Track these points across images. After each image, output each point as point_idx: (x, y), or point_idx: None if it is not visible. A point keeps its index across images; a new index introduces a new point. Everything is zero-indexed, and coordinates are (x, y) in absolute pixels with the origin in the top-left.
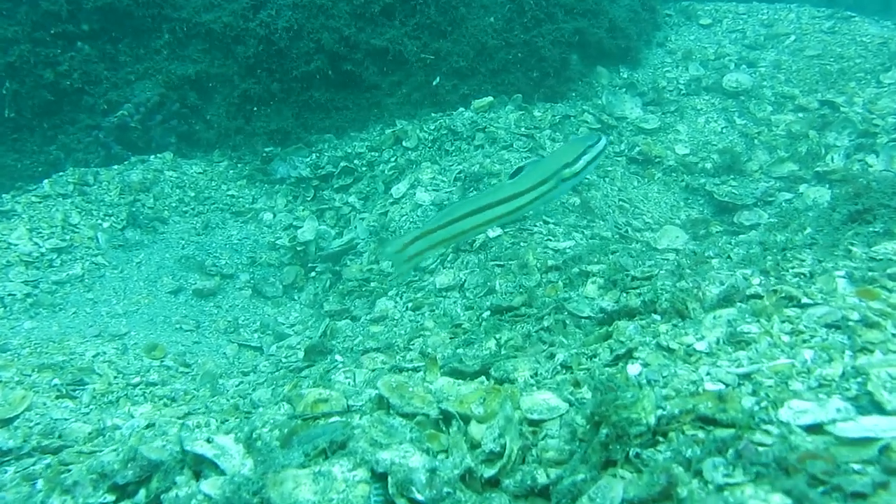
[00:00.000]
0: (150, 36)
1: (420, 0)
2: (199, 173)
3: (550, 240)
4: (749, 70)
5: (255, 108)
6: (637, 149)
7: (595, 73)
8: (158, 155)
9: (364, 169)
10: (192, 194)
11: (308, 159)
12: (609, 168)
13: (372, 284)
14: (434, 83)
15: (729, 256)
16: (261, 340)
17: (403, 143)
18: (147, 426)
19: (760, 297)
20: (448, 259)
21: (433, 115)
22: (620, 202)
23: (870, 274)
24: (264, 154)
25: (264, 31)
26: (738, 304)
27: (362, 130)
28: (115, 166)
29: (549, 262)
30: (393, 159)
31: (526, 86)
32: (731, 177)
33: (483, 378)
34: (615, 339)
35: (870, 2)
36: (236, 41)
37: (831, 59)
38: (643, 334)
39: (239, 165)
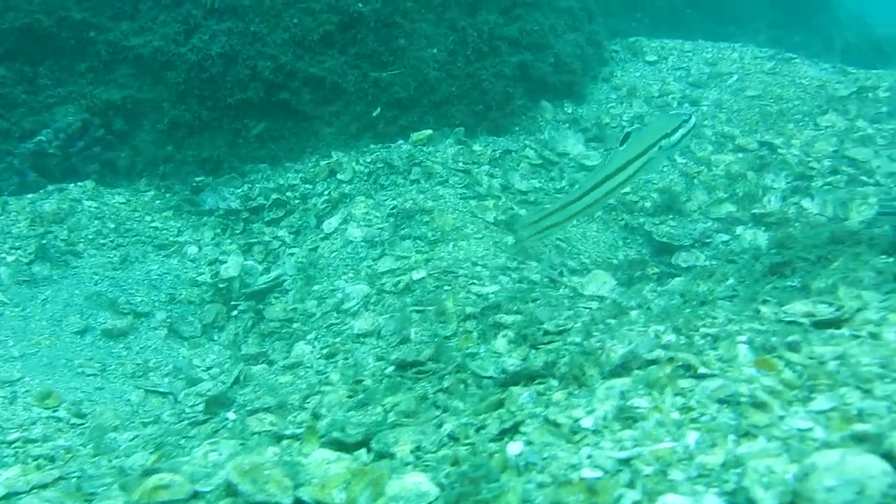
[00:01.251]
0: (74, 58)
1: (360, 30)
2: (122, 203)
3: (475, 283)
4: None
5: (186, 136)
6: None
7: (540, 108)
8: (79, 183)
9: (297, 202)
10: (112, 226)
11: (239, 190)
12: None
13: (294, 325)
14: (374, 114)
15: (649, 307)
16: (171, 385)
17: (338, 176)
18: (2, 497)
19: (658, 364)
20: (371, 301)
21: (372, 146)
22: (558, 241)
23: (771, 341)
24: (194, 184)
25: (196, 56)
26: (636, 371)
27: (298, 161)
28: (29, 195)
29: (468, 310)
30: (327, 192)
31: (469, 119)
32: (670, 217)
33: (364, 451)
34: (506, 409)
35: (814, 42)
36: (167, 66)
37: (771, 100)
38: (537, 404)
39: (167, 195)
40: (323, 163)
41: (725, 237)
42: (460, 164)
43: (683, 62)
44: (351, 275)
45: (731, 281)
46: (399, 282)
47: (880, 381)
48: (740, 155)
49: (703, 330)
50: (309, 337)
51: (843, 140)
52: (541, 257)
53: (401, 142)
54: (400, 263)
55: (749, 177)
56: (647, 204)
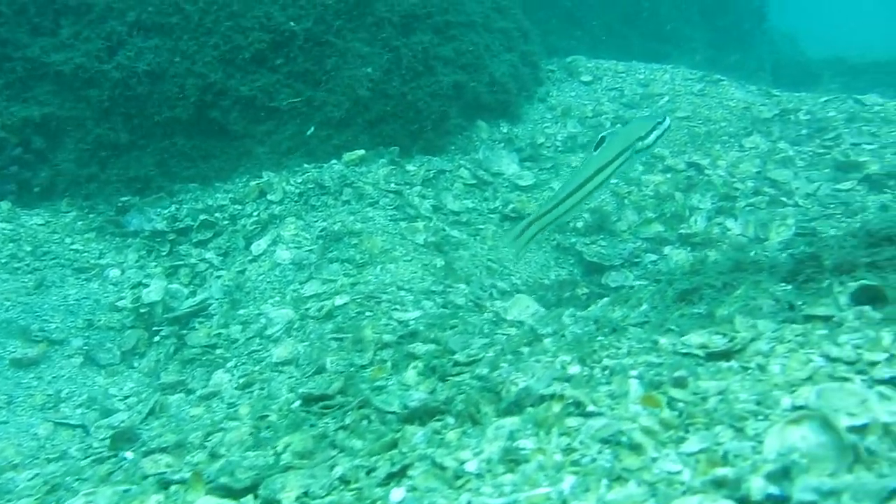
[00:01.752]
0: None
1: (292, 48)
2: (40, 225)
3: (397, 309)
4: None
5: (112, 155)
6: (511, 206)
7: (475, 127)
8: None
9: (226, 223)
10: (29, 248)
11: (166, 211)
12: (481, 226)
13: (217, 352)
14: (308, 133)
15: (563, 335)
16: (83, 417)
17: (268, 197)
18: None
19: (550, 402)
20: (295, 327)
21: (305, 166)
22: (489, 262)
23: (661, 376)
24: (120, 204)
25: (121, 73)
26: (529, 408)
27: (228, 181)
28: None
29: (386, 338)
30: (256, 213)
31: (404, 138)
32: (601, 237)
33: (251, 497)
34: (398, 450)
35: (748, 62)
36: (89, 84)
37: (699, 122)
38: (430, 444)
39: (90, 216)
40: (253, 183)
41: (654, 257)
42: (392, 184)
43: (617, 83)
44: (278, 298)
45: (644, 307)
46: (323, 307)
47: (753, 419)
48: (669, 175)
49: (605, 361)
50: (229, 365)
51: (765, 161)
52: (471, 278)
53: (334, 161)
54: (326, 287)
55: (677, 197)
56: (579, 224)
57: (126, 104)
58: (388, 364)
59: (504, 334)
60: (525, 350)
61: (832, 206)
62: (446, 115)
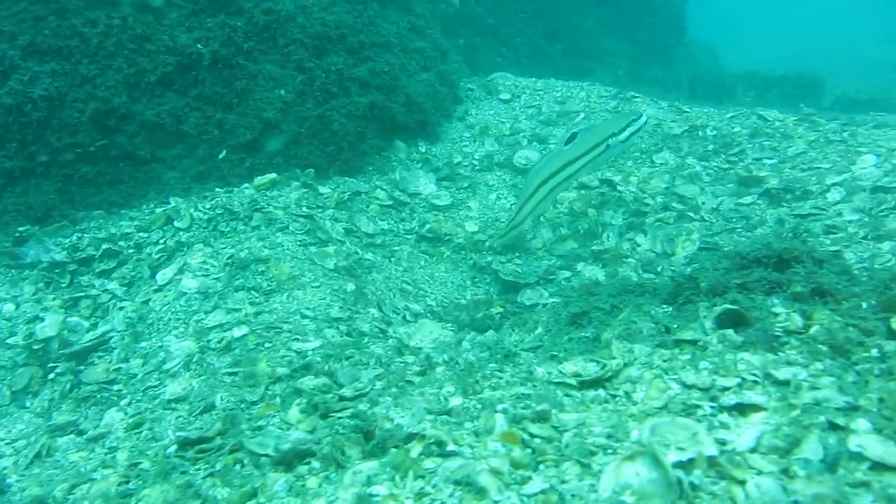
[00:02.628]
0: None
1: (200, 71)
2: None
3: (297, 339)
4: (540, 147)
5: (7, 183)
6: (427, 226)
7: (393, 147)
8: None
9: (131, 251)
10: None
11: (67, 241)
12: (396, 248)
13: (115, 388)
14: (220, 157)
15: (457, 362)
16: None
17: (175, 223)
18: None
19: (413, 442)
20: (194, 360)
21: (218, 190)
22: (403, 284)
23: (526, 409)
24: (17, 234)
25: (14, 99)
26: (392, 449)
27: (135, 208)
28: None
29: (279, 371)
30: (163, 241)
31: (321, 160)
32: (517, 255)
33: None
34: (257, 500)
35: (670, 77)
36: None
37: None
38: (290, 492)
39: None
40: (159, 210)
41: (567, 273)
42: (304, 208)
43: (536, 100)
44: (182, 329)
45: (539, 330)
46: (223, 339)
47: (602, 453)
48: (583, 192)
49: (484, 393)
50: (123, 402)
51: (674, 177)
52: (383, 302)
53: (245, 186)
54: (230, 317)
55: (590, 214)
56: (496, 243)
57: (21, 131)
58: (278, 400)
59: (402, 362)
60: (417, 380)
61: (734, 220)
62: (363, 135)
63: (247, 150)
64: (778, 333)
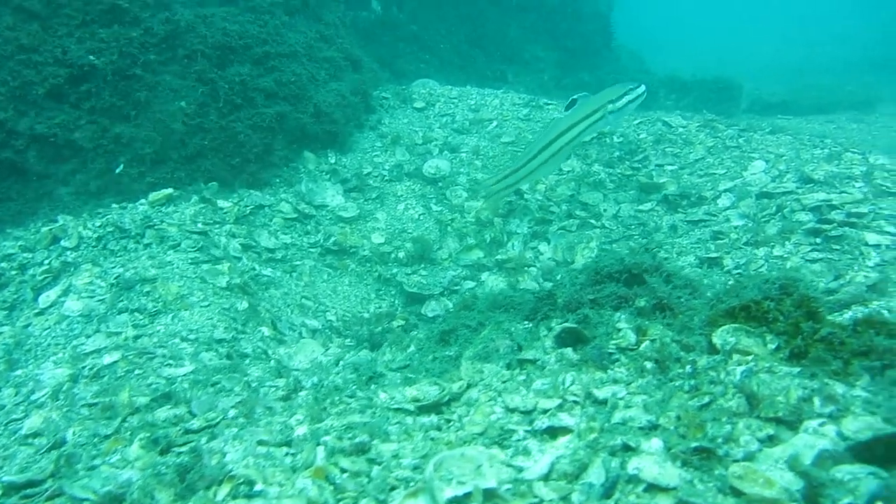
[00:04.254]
0: None
1: (94, 83)
2: None
3: (170, 364)
4: (451, 156)
5: None
6: (333, 239)
7: (302, 159)
8: None
9: (13, 273)
10: None
11: None
12: (298, 262)
13: None
14: (117, 171)
15: (323, 385)
16: None
17: (62, 243)
18: None
19: (223, 483)
20: (63, 389)
21: (115, 206)
22: (303, 299)
23: (351, 439)
24: None
25: None
26: (201, 491)
27: (22, 226)
28: None
29: (140, 401)
30: (48, 261)
31: (226, 172)
32: (423, 266)
33: None
34: None
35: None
36: None
37: (522, 146)
38: None
39: None
40: (45, 229)
41: (472, 284)
42: (199, 224)
43: (450, 108)
44: (60, 356)
45: (412, 348)
46: (94, 366)
47: (403, 488)
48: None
49: (326, 422)
50: None
51: (580, 185)
52: (279, 319)
53: (142, 201)
54: (109, 342)
55: (496, 223)
56: (401, 254)
57: None
58: (128, 434)
59: (273, 386)
60: (278, 406)
61: (633, 227)
62: (270, 147)
63: (147, 164)
64: (611, 350)
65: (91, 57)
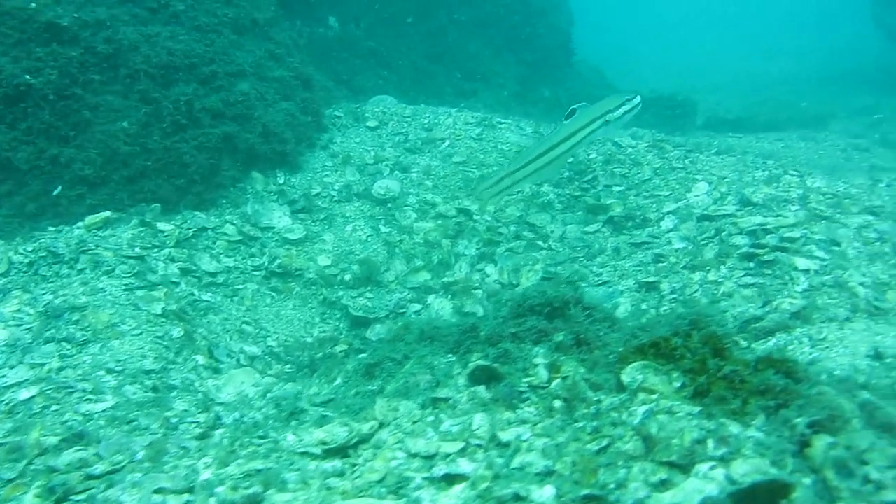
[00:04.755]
0: None
1: (31, 103)
2: None
3: (90, 399)
4: (401, 175)
5: None
6: (278, 261)
7: (250, 179)
8: None
9: None
10: None
11: None
12: (240, 286)
13: None
14: (55, 193)
15: (244, 420)
16: None
17: None
18: None
19: None
20: None
21: (50, 229)
22: (244, 325)
23: (237, 493)
24: None
25: None
26: None
27: None
28: None
29: (50, 441)
30: None
31: (170, 194)
32: (369, 288)
33: None
34: None
35: (549, 99)
36: None
37: (474, 166)
38: None
39: None
40: None
41: (418, 307)
42: (136, 249)
43: (403, 127)
44: None
45: (338, 381)
46: (10, 401)
47: None
48: (440, 222)
49: (230, 468)
50: None
51: (529, 205)
52: (216, 346)
53: (78, 224)
54: (33, 373)
55: (444, 244)
56: (347, 277)
57: None
58: (30, 479)
59: (195, 422)
60: (193, 445)
61: (578, 248)
62: (216, 167)
63: (87, 186)
64: (523, 389)
65: (27, 76)
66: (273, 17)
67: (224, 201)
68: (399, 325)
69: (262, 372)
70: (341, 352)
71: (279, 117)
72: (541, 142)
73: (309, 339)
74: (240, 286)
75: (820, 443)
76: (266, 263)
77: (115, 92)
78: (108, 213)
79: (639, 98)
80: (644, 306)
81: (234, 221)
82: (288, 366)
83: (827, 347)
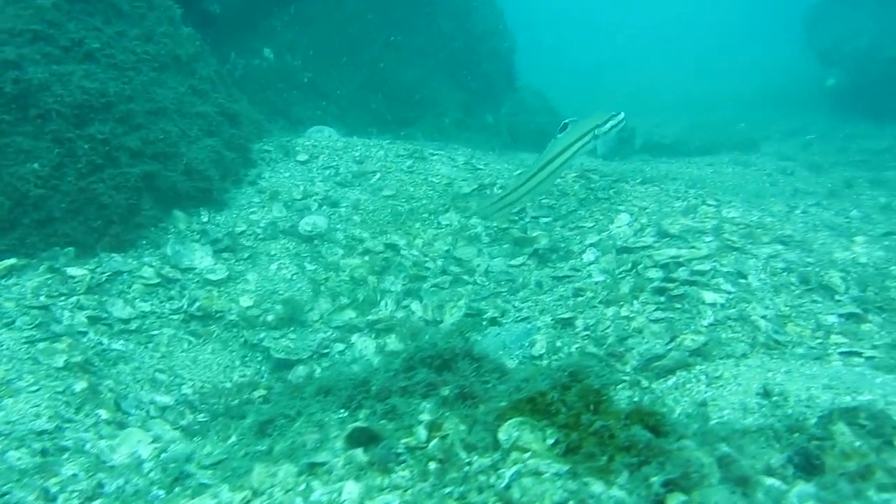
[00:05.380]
0: None
1: None
2: None
3: None
4: (330, 211)
5: None
6: (198, 304)
7: (172, 218)
8: None
9: None
10: None
11: None
12: (156, 332)
13: None
14: None
15: (125, 489)
16: None
17: None
18: None
19: None
20: None
21: None
22: (156, 373)
23: None
24: None
25: None
26: None
27: None
28: None
29: None
30: None
31: (86, 236)
32: (292, 329)
33: None
34: None
35: (490, 126)
36: None
37: (403, 200)
38: None
39: None
40: None
41: (342, 346)
42: (41, 297)
43: (334, 160)
44: None
45: (233, 439)
46: None
47: None
48: (367, 258)
49: None
50: None
51: (456, 239)
52: (125, 397)
53: None
54: None
55: (370, 281)
56: (270, 317)
57: None
58: None
59: (77, 491)
60: None
61: (503, 282)
62: (136, 208)
63: None
64: (400, 451)
65: None
66: (197, 52)
67: (144, 242)
68: (300, 377)
69: (174, 423)
70: (259, 397)
71: (203, 154)
72: (539, 158)
73: (228, 385)
74: (155, 332)
75: (673, 502)
76: (185, 306)
77: (25, 133)
78: (13, 261)
79: (623, 114)
80: (559, 343)
81: (153, 263)
82: (202, 415)
83: (721, 385)
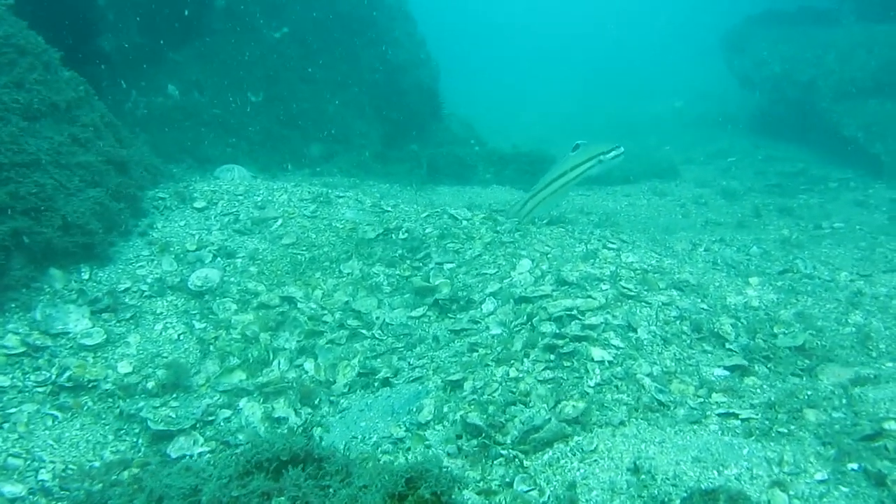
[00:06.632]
0: None
1: None
2: None
3: None
4: (225, 263)
5: None
6: (68, 373)
7: (48, 277)
8: None
9: None
10: None
11: None
12: (13, 410)
13: None
14: None
15: None
16: None
17: None
18: None
19: None
20: None
21: None
22: (9, 458)
23: None
24: None
25: None
26: None
27: None
28: None
29: None
30: None
31: None
32: (174, 396)
33: None
34: None
35: (410, 159)
36: None
37: (304, 248)
38: None
39: None
40: None
41: (228, 413)
42: None
43: (234, 207)
44: None
45: None
46: None
47: None
48: (261, 313)
49: None
50: None
51: (357, 289)
52: None
53: None
54: None
55: (262, 339)
56: (151, 384)
57: None
58: None
59: None
60: None
61: (401, 336)
62: (4, 268)
63: None
64: None
65: None
66: (79, 97)
67: (13, 305)
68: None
69: None
70: (130, 477)
71: (84, 207)
72: (552, 170)
73: (97, 464)
74: (13, 410)
75: None
76: (54, 377)
77: None
78: None
79: (623, 149)
80: (445, 409)
81: (19, 330)
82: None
83: (594, 461)
